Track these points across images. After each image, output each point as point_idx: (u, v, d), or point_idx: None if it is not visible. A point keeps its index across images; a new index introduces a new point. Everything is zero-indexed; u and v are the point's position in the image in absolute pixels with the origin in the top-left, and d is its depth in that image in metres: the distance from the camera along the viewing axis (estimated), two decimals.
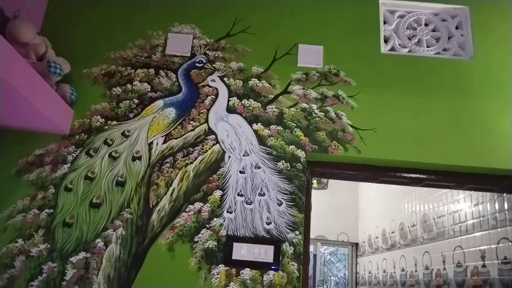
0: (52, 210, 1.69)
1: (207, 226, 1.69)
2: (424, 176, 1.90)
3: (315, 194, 4.60)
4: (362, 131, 1.86)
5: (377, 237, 3.81)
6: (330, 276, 5.58)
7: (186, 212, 1.71)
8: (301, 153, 1.82)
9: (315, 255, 4.89)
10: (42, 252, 1.62)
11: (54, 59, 1.70)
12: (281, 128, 1.86)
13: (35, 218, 1.67)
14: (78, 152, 1.78)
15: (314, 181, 4.90)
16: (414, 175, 1.90)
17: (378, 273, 3.68)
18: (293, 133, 1.86)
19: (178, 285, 1.60)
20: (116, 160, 1.78)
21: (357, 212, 4.56)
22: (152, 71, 1.96)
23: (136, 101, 1.89)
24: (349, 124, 1.87)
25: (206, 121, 1.86)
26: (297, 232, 1.70)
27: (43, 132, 1.78)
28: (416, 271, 3.03)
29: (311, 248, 4.81)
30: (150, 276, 1.61)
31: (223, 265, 1.63)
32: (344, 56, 2.00)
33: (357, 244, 4.52)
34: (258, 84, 1.94)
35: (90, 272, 1.60)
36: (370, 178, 1.95)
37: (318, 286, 4.79)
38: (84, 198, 1.71)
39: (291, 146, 1.83)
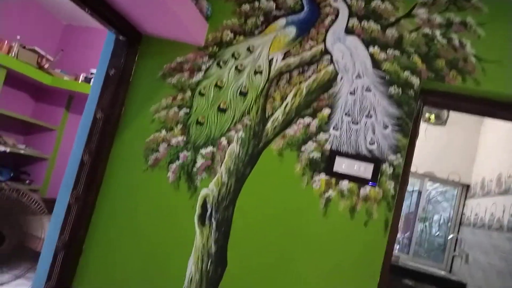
0: (188, 110, 2.03)
1: (314, 139, 1.87)
2: None
3: (432, 130, 4.45)
4: (485, 63, 1.76)
5: (491, 180, 3.60)
6: (434, 214, 5.50)
7: (296, 124, 1.90)
8: (415, 80, 1.82)
9: (420, 192, 4.83)
10: (180, 143, 2.00)
11: None
12: (398, 53, 1.86)
13: (175, 115, 2.04)
14: (211, 62, 2.05)
15: (432, 116, 4.67)
16: None
17: (484, 216, 3.55)
18: (410, 58, 1.85)
19: (284, 184, 1.86)
20: (241, 73, 2.02)
21: (475, 153, 4.29)
22: None
23: (261, 18, 2.04)
24: (473, 54, 1.78)
25: (324, 41, 1.95)
26: (398, 155, 1.79)
27: (183, 42, 2.07)
28: None
29: (417, 185, 4.76)
30: (261, 174, 1.90)
31: (324, 174, 1.83)
32: None
33: (468, 185, 4.32)
34: (380, 6, 1.92)
35: (215, 163, 1.94)
36: (487, 112, 1.87)
37: (418, 219, 4.80)
38: (214, 103, 2.01)
39: (406, 72, 1.84)
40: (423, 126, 4.29)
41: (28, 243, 2.92)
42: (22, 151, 3.98)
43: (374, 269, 1.73)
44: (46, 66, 4.11)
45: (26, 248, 2.88)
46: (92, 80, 3.94)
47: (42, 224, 2.90)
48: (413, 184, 4.79)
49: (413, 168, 4.44)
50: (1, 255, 2.70)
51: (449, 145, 4.39)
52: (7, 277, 2.72)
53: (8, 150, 3.79)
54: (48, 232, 2.06)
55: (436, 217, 5.55)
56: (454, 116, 4.39)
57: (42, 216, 2.88)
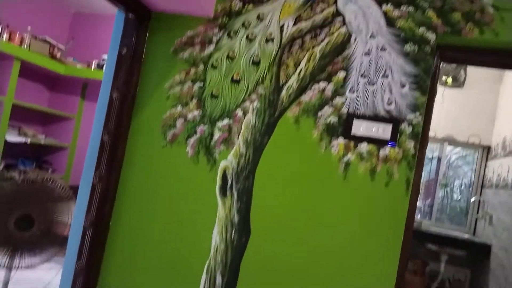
0: (202, 84, 2.03)
1: (330, 103, 1.85)
2: None
3: (449, 93, 4.36)
4: (504, 11, 1.69)
5: None
6: (455, 179, 5.44)
7: (311, 90, 1.88)
8: (431, 35, 1.78)
9: (439, 158, 4.78)
10: (196, 117, 2.01)
11: None
12: (413, 9, 1.81)
13: (190, 90, 2.04)
14: (221, 34, 2.03)
15: (449, 79, 4.56)
16: None
17: (507, 176, 3.49)
18: (425, 14, 1.79)
19: (302, 151, 1.86)
20: (252, 42, 1.99)
21: (494, 113, 4.19)
22: None
23: None
24: (490, 4, 1.72)
25: (335, 2, 1.90)
26: (417, 114, 1.76)
27: (193, 15, 2.05)
28: None
29: (437, 151, 4.70)
30: (279, 142, 1.90)
31: (342, 138, 1.82)
32: None
33: (488, 147, 4.24)
34: None
35: (232, 135, 1.95)
36: (507, 65, 1.82)
37: (438, 185, 4.77)
38: (227, 75, 2.00)
39: (421, 28, 1.79)
40: (440, 89, 4.20)
41: (56, 229, 3.01)
42: (42, 141, 4.07)
43: (397, 230, 1.73)
44: (58, 55, 4.15)
45: (53, 234, 2.98)
46: (104, 64, 3.96)
47: (69, 209, 2.98)
48: (432, 150, 4.73)
49: (432, 133, 4.37)
50: (32, 238, 2.80)
51: (467, 107, 4.30)
52: (38, 260, 2.82)
53: (29, 141, 3.88)
54: (75, 213, 2.12)
55: (457, 182, 5.49)
56: (472, 77, 4.28)
57: (68, 202, 2.96)
